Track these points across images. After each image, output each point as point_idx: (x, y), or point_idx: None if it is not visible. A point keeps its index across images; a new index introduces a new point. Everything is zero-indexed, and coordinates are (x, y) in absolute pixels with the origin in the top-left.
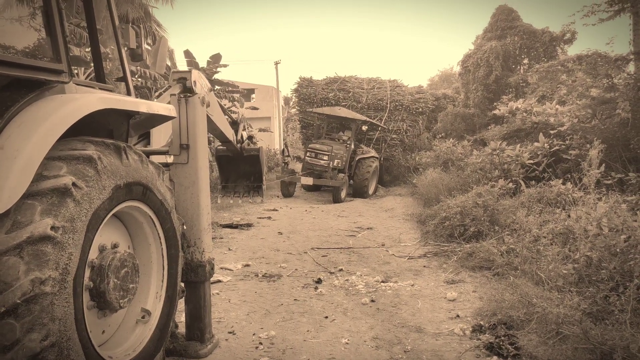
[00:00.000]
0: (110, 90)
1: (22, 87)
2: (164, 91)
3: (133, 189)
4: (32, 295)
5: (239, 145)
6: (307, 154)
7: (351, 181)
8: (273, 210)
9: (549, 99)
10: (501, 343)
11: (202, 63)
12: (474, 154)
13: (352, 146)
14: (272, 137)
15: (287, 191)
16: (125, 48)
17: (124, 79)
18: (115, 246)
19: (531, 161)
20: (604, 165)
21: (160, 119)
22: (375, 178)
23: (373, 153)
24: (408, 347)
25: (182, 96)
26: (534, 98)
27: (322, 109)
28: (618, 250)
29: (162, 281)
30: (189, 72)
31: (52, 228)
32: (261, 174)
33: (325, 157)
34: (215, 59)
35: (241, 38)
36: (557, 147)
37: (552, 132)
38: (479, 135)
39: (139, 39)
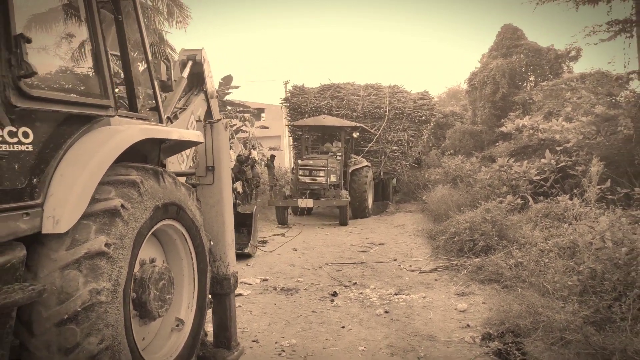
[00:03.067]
0: (145, 119)
1: (76, 121)
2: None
3: (169, 208)
4: (90, 304)
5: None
6: (300, 172)
7: None
8: (286, 227)
9: (555, 116)
10: (509, 349)
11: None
12: (482, 171)
13: (344, 157)
14: (282, 155)
15: (283, 217)
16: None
17: (156, 108)
18: (152, 261)
19: (538, 177)
20: (609, 180)
21: (189, 144)
22: (372, 191)
23: (366, 162)
24: (421, 353)
25: (207, 122)
26: (539, 115)
27: (305, 121)
28: (621, 262)
29: (193, 293)
30: (200, 50)
31: (106, 245)
32: (250, 233)
33: (322, 173)
34: (227, 81)
35: (252, 58)
36: (563, 163)
37: (558, 148)
38: (487, 152)
39: (168, 71)
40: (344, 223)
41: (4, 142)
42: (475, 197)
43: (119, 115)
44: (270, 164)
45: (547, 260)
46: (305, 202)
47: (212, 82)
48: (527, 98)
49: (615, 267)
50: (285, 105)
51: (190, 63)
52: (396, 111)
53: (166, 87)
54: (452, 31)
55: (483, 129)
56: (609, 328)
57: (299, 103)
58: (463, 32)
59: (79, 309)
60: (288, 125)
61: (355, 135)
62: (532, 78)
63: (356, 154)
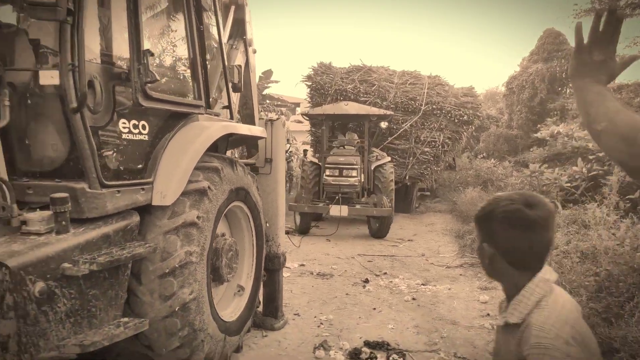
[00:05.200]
0: (217, 115)
1: (177, 117)
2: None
3: (239, 192)
4: (185, 262)
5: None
6: (328, 172)
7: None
8: (320, 220)
9: None
10: None
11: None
12: (513, 175)
13: (367, 152)
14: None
15: (307, 225)
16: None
17: (229, 107)
18: (223, 235)
19: (569, 184)
20: (639, 191)
21: (254, 139)
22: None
23: (387, 157)
24: (444, 334)
25: (268, 120)
26: (574, 123)
27: (323, 108)
28: (635, 266)
29: (252, 265)
30: None
31: (197, 217)
32: None
33: (354, 173)
34: (267, 75)
35: (290, 52)
36: (595, 172)
37: (591, 157)
38: (520, 157)
39: (239, 75)
40: (380, 235)
41: (130, 132)
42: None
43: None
44: (303, 158)
45: (566, 261)
46: (338, 210)
47: (252, 29)
48: (566, 104)
49: (631, 270)
50: (306, 84)
51: (233, 7)
52: (434, 106)
53: (237, 88)
54: (494, 33)
55: (518, 134)
56: (615, 322)
57: (322, 83)
58: (505, 34)
59: (177, 266)
60: (302, 114)
61: (383, 125)
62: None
63: (375, 147)
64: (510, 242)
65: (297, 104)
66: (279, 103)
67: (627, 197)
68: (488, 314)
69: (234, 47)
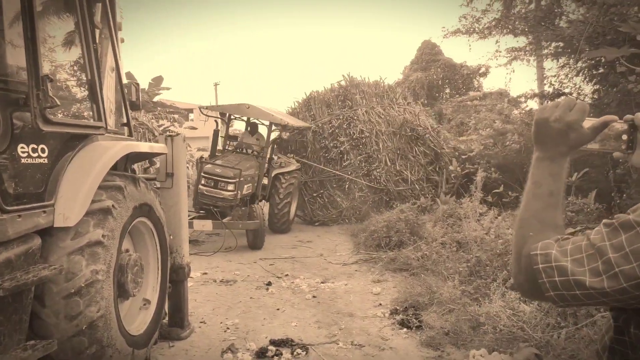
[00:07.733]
0: (117, 133)
1: (76, 139)
2: None
3: (143, 208)
4: (91, 281)
5: None
6: (203, 182)
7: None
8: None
9: (465, 127)
10: (409, 319)
11: (144, 84)
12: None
13: (267, 158)
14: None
15: None
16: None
17: (127, 124)
18: (127, 251)
19: (447, 183)
20: (502, 185)
21: (155, 155)
22: (297, 198)
23: (295, 165)
24: (342, 326)
25: (168, 136)
26: (449, 127)
27: (224, 107)
28: (498, 252)
29: (157, 278)
30: None
31: (102, 236)
32: None
33: (231, 187)
34: (157, 81)
35: (182, 59)
36: (467, 170)
37: (463, 157)
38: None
39: (137, 93)
40: (256, 247)
41: (30, 156)
42: (394, 198)
43: None
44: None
45: (443, 252)
46: (201, 224)
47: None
48: (443, 110)
49: (495, 256)
50: (340, 83)
51: None
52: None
53: (134, 106)
54: (378, 42)
55: None
56: (482, 300)
57: (350, 97)
58: (388, 44)
59: (83, 285)
60: (200, 108)
61: (285, 136)
62: (447, 90)
63: (285, 153)
64: None
65: (191, 110)
66: (171, 110)
67: (494, 191)
68: (380, 304)
69: (104, 36)
